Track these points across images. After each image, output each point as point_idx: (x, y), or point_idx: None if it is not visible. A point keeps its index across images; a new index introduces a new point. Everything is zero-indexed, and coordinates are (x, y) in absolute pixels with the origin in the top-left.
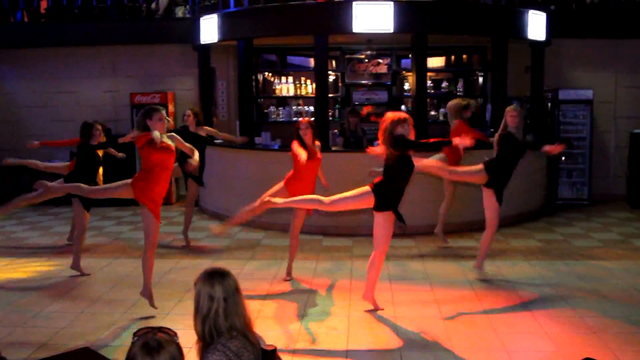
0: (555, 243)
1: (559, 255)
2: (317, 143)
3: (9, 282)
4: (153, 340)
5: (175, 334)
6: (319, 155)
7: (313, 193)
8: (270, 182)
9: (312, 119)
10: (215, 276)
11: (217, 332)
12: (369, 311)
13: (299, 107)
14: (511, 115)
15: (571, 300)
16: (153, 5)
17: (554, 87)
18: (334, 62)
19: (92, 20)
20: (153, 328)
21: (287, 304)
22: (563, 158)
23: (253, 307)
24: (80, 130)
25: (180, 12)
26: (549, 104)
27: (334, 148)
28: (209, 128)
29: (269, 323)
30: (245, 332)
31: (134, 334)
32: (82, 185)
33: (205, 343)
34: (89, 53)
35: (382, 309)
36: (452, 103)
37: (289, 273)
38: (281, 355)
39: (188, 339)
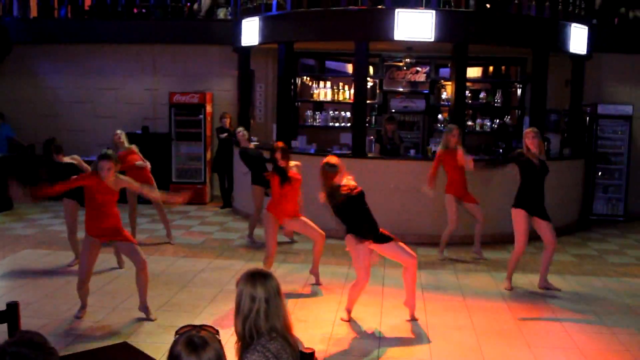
0: (589, 258)
1: (593, 271)
2: (297, 163)
3: (45, 274)
4: (198, 337)
5: (217, 332)
6: (298, 176)
7: (298, 212)
8: (305, 185)
9: (281, 143)
10: (258, 277)
11: (257, 333)
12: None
13: (336, 112)
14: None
15: (604, 316)
16: (195, 6)
17: (593, 101)
18: (372, 69)
19: (135, 19)
20: (195, 326)
21: (319, 309)
22: (599, 173)
23: None
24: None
25: (222, 13)
26: (588, 118)
27: (370, 155)
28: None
29: (301, 327)
30: (285, 334)
31: (176, 332)
32: None
33: (245, 343)
34: (130, 51)
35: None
36: None
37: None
38: None
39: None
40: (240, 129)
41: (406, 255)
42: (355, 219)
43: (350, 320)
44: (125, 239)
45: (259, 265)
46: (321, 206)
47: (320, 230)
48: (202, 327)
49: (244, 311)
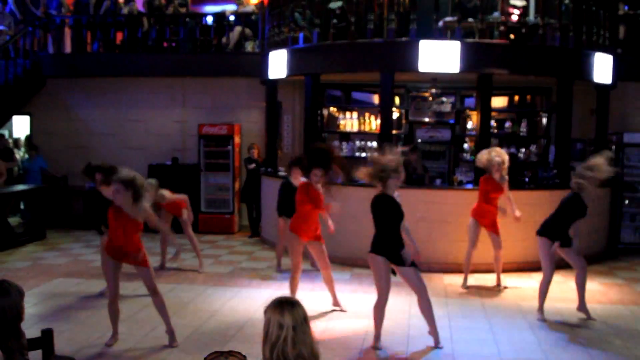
0: (616, 287)
1: (621, 300)
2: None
3: (77, 302)
4: None
5: (245, 358)
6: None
7: (319, 235)
8: (332, 215)
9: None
10: (286, 305)
11: None
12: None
13: (362, 143)
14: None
15: (633, 346)
16: (224, 40)
17: (618, 130)
18: (398, 99)
19: (165, 53)
20: (223, 352)
21: (347, 337)
22: (626, 202)
23: None
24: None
25: (249, 46)
26: (613, 147)
27: None
28: None
29: (328, 355)
30: None
31: (205, 359)
32: None
33: None
34: (160, 84)
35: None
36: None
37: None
38: None
39: None
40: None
41: (418, 284)
42: (379, 226)
43: (379, 348)
44: (136, 263)
45: (287, 293)
46: (348, 233)
47: (328, 261)
48: (230, 353)
49: (272, 339)
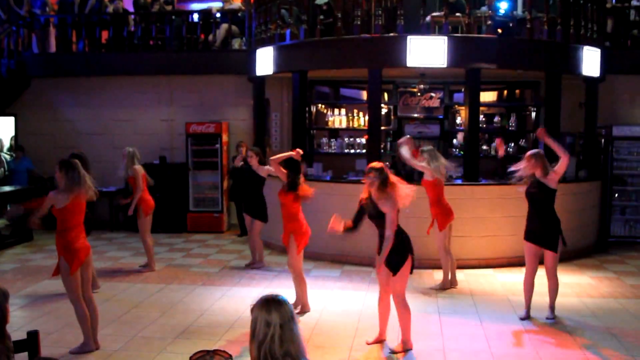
0: (607, 280)
1: (611, 293)
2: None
3: (65, 304)
4: None
5: (230, 356)
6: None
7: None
8: (321, 213)
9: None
10: (272, 303)
11: (272, 358)
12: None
13: (351, 139)
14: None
15: (624, 340)
16: (210, 37)
17: (607, 123)
18: (386, 95)
19: (151, 51)
20: (208, 351)
21: (337, 334)
22: (616, 195)
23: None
24: None
25: (236, 44)
26: (603, 140)
27: None
28: (269, 168)
29: (318, 353)
30: (299, 359)
31: (190, 358)
32: None
33: None
34: (147, 82)
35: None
36: None
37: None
38: None
39: None
40: (251, 152)
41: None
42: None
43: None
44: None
45: (269, 292)
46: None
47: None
48: (215, 351)
49: (259, 337)
